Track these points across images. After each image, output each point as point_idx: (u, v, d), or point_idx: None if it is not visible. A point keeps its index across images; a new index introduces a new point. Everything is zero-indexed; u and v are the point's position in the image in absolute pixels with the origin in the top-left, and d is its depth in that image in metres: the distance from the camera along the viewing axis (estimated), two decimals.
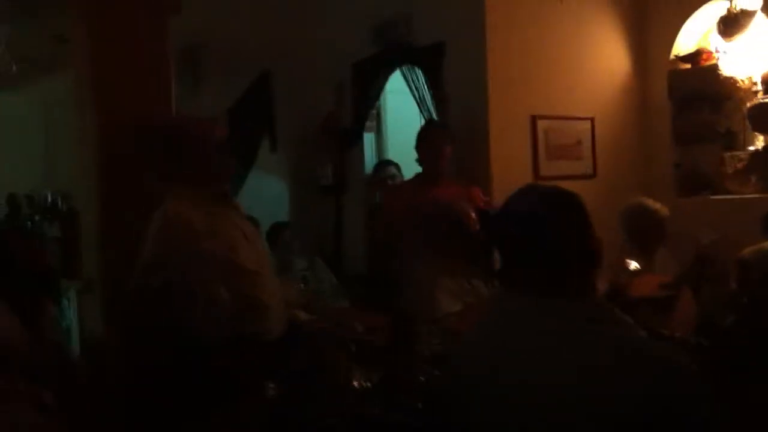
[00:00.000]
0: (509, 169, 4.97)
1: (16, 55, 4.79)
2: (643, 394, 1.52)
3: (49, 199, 6.10)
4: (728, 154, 5.23)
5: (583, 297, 1.73)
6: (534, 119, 5.09)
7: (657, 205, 4.32)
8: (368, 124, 6.29)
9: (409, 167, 5.15)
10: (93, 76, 3.02)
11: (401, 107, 6.25)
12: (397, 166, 5.56)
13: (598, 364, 1.58)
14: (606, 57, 5.49)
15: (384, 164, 5.73)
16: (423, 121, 5.56)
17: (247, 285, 2.54)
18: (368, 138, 6.37)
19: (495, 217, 1.94)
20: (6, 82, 5.18)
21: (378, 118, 6.42)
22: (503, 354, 1.69)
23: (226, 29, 6.54)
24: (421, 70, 5.40)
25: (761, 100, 5.02)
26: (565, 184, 5.20)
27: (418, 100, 5.45)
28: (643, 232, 4.22)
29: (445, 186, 4.44)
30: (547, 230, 1.74)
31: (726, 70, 5.20)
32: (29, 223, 6.02)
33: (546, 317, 1.67)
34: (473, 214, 4.02)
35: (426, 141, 4.53)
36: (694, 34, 5.43)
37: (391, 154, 6.22)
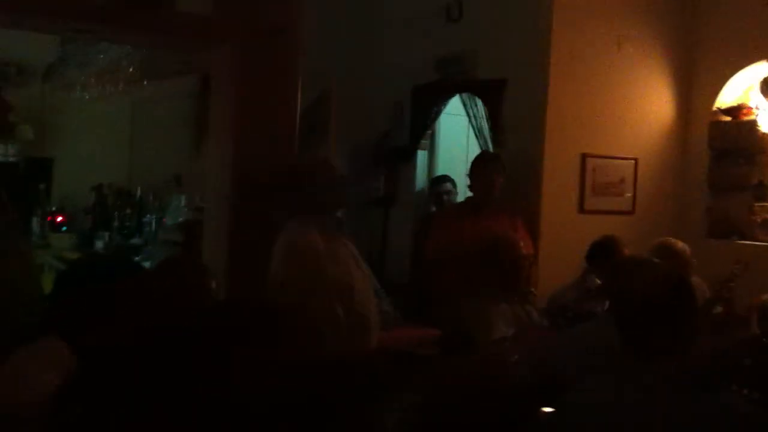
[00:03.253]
0: (557, 202, 5.39)
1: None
2: None
3: (138, 195, 6.52)
4: (758, 204, 5.63)
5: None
6: (584, 157, 5.51)
7: (680, 244, 4.57)
8: (422, 142, 6.72)
9: (461, 184, 5.61)
10: (233, 109, 3.45)
11: (455, 129, 6.69)
12: (452, 181, 6.00)
13: None
14: (653, 103, 5.89)
15: (441, 179, 6.20)
16: (474, 144, 6.01)
17: (358, 304, 2.96)
18: (421, 155, 6.80)
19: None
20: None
21: (432, 137, 6.84)
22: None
23: None
24: (482, 101, 5.81)
25: None
26: (607, 219, 5.67)
27: (476, 129, 5.86)
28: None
29: (493, 214, 4.76)
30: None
31: (764, 126, 5.61)
32: (116, 213, 6.40)
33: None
34: (522, 244, 4.34)
35: (479, 170, 4.88)
36: (737, 90, 5.82)
37: (441, 172, 6.66)
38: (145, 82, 5.51)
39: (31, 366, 2.02)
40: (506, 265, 4.10)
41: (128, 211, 6.51)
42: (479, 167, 4.92)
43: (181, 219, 5.58)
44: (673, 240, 4.65)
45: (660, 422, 1.96)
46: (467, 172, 5.02)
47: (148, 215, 6.37)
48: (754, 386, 3.11)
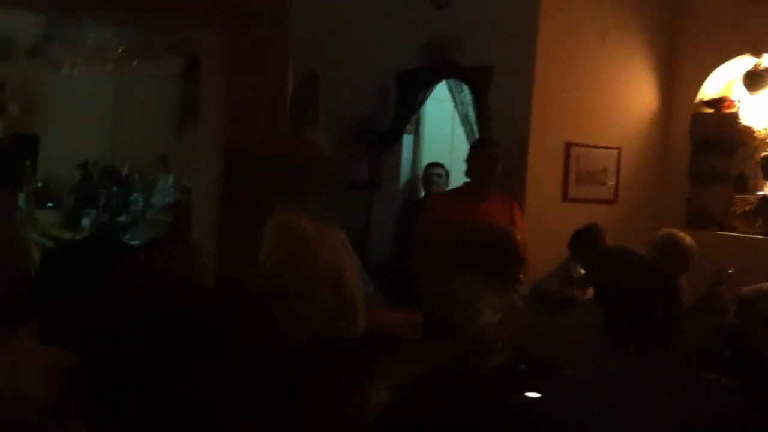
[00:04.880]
0: (541, 190, 5.47)
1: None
2: None
3: (125, 173, 6.52)
4: (738, 196, 5.72)
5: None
6: (568, 146, 5.58)
7: (687, 239, 4.57)
8: (408, 127, 6.77)
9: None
10: (225, 91, 3.48)
11: (441, 114, 6.75)
12: (444, 167, 6.08)
13: None
14: (637, 93, 5.96)
15: (433, 165, 6.35)
16: (459, 130, 6.06)
17: (347, 289, 3.00)
18: (407, 139, 6.85)
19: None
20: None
21: (417, 122, 6.89)
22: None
23: None
24: (468, 88, 5.86)
25: None
26: (589, 207, 5.74)
27: (462, 115, 5.92)
28: (669, 262, 4.35)
29: (491, 199, 4.78)
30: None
31: (745, 119, 5.70)
32: (102, 190, 6.41)
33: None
34: (518, 237, 4.39)
35: (479, 155, 4.84)
36: (720, 82, 5.90)
37: (428, 157, 6.72)
38: (134, 63, 5.49)
39: (21, 378, 2.02)
40: (505, 256, 4.16)
41: (114, 189, 6.51)
42: (480, 152, 4.88)
43: (168, 199, 5.60)
44: (680, 234, 4.62)
45: (644, 405, 2.03)
46: (465, 157, 5.00)
47: (135, 194, 6.38)
48: (733, 375, 3.19)
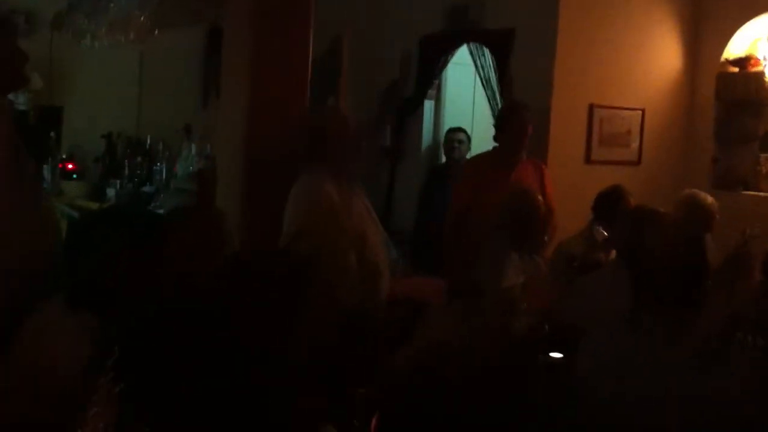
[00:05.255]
0: (564, 151, 5.44)
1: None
2: None
3: (148, 143, 6.57)
4: (765, 155, 5.67)
5: None
6: (591, 108, 5.55)
7: (709, 199, 4.59)
8: (429, 92, 6.74)
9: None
10: (248, 64, 3.49)
11: (462, 79, 6.71)
12: (466, 132, 6.07)
13: None
14: (661, 53, 5.90)
15: (455, 130, 6.31)
16: (481, 95, 6.03)
17: (370, 254, 3.04)
18: (428, 105, 6.83)
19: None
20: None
21: (439, 87, 6.86)
22: None
23: None
24: (489, 51, 5.82)
25: None
26: (613, 169, 5.73)
27: (483, 79, 5.89)
28: (692, 223, 4.38)
29: (523, 164, 4.73)
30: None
31: None
32: (126, 161, 6.48)
33: None
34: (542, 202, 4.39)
35: (512, 121, 4.71)
36: (746, 40, 5.82)
37: (449, 122, 6.70)
38: (156, 33, 5.50)
39: (61, 339, 2.05)
40: (529, 220, 4.16)
41: (138, 159, 6.57)
42: (511, 117, 4.75)
43: (191, 168, 5.64)
44: (702, 194, 4.62)
45: (666, 377, 2.04)
46: (495, 122, 4.95)
47: (158, 164, 6.43)
48: (758, 333, 3.18)
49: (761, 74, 5.67)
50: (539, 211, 4.01)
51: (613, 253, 4.02)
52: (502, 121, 4.79)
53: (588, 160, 5.58)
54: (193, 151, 5.94)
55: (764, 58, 5.69)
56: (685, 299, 2.20)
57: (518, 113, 4.75)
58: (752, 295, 3.92)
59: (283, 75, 3.52)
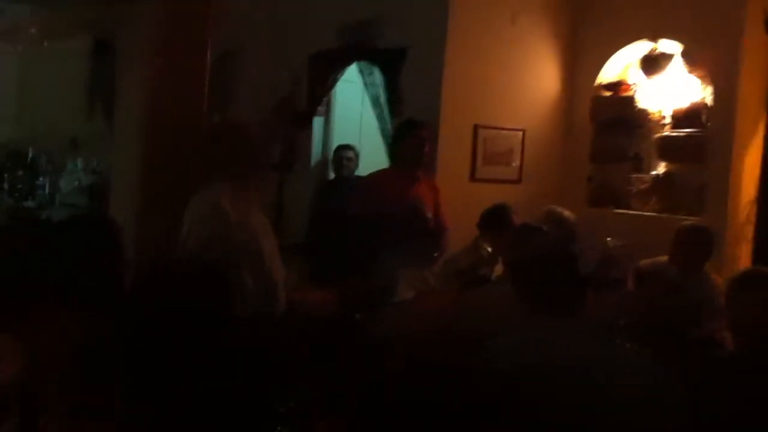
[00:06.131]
0: (450, 170, 5.63)
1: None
2: None
3: (30, 156, 6.37)
4: (635, 175, 6.02)
5: None
6: (476, 128, 5.77)
7: (567, 213, 4.89)
8: (319, 108, 6.84)
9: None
10: (144, 73, 3.48)
11: (351, 96, 6.85)
12: (354, 149, 6.18)
13: None
14: (541, 77, 6.19)
15: (344, 147, 6.44)
16: (369, 113, 6.16)
17: (267, 270, 3.09)
18: (318, 122, 6.93)
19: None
20: None
21: (328, 104, 6.96)
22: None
23: None
24: (379, 70, 5.96)
25: (667, 133, 5.84)
26: (495, 187, 5.94)
27: (372, 97, 6.02)
28: (564, 237, 4.56)
29: (421, 182, 4.89)
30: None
31: (641, 101, 6.00)
32: (6, 175, 6.25)
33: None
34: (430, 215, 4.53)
35: (411, 137, 4.87)
36: (618, 66, 6.19)
37: (338, 139, 6.81)
38: (45, 44, 5.38)
39: None
40: (420, 236, 4.27)
41: (20, 172, 6.37)
42: (411, 134, 4.89)
43: (76, 183, 5.53)
44: (559, 208, 4.91)
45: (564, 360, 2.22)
46: (390, 140, 5.04)
47: (41, 178, 6.26)
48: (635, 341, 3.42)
49: (632, 98, 6.04)
50: (428, 227, 4.16)
51: (498, 268, 4.21)
52: (400, 138, 4.92)
53: (473, 177, 5.79)
54: (80, 165, 5.82)
55: (635, 83, 6.05)
56: (564, 306, 2.40)
57: (418, 131, 4.89)
58: (624, 304, 4.19)
59: (180, 88, 3.54)
